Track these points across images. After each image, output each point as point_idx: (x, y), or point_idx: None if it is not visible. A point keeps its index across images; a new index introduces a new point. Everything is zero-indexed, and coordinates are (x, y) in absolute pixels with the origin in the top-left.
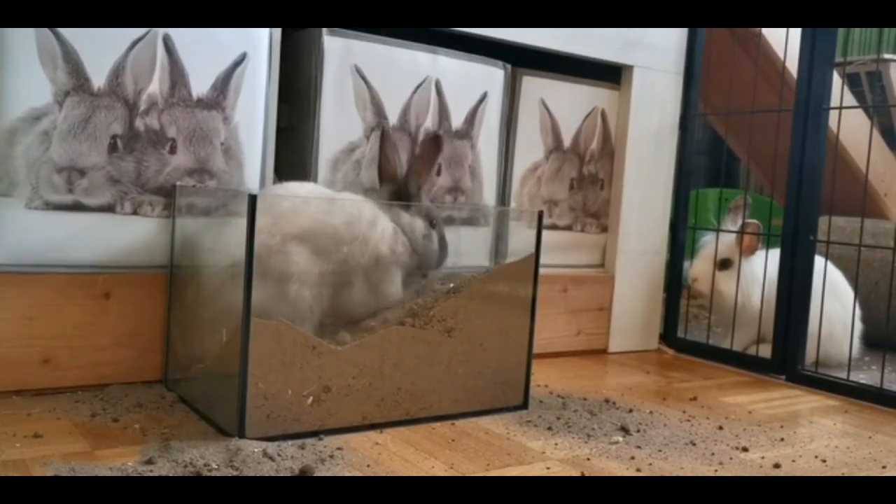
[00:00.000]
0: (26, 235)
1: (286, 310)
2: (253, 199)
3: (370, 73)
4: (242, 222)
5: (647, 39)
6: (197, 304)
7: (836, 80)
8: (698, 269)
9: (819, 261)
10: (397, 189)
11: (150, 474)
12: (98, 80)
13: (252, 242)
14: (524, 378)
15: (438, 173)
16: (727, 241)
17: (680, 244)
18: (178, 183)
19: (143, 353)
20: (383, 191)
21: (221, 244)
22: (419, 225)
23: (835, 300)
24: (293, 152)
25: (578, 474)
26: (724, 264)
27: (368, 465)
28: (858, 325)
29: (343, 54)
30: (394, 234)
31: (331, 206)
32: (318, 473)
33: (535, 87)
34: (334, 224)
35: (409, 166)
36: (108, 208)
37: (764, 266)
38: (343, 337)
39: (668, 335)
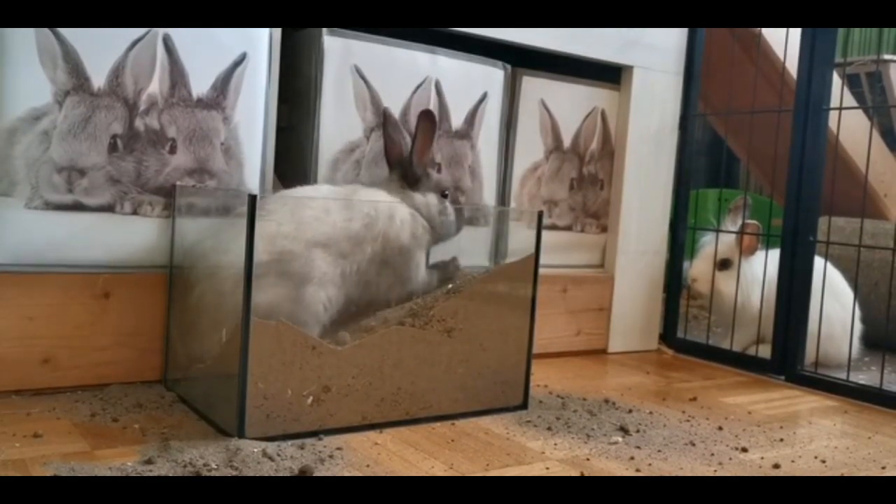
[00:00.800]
0: (26, 235)
1: (300, 311)
2: (253, 199)
3: (370, 73)
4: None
5: (647, 40)
6: (197, 304)
7: (836, 80)
8: (698, 269)
9: (818, 261)
10: (405, 170)
11: (150, 474)
12: (98, 79)
13: (252, 242)
14: (524, 378)
15: (438, 172)
16: (727, 241)
17: (680, 244)
18: (178, 183)
19: (142, 353)
20: (394, 174)
21: (233, 246)
22: (433, 201)
23: (834, 301)
24: (293, 152)
25: (578, 474)
26: (723, 265)
27: (368, 465)
28: (858, 326)
29: (343, 54)
30: (412, 220)
31: (350, 211)
32: (317, 473)
33: (535, 87)
34: (355, 229)
35: (411, 148)
36: (108, 208)
37: (763, 266)
38: (343, 337)
39: (668, 335)
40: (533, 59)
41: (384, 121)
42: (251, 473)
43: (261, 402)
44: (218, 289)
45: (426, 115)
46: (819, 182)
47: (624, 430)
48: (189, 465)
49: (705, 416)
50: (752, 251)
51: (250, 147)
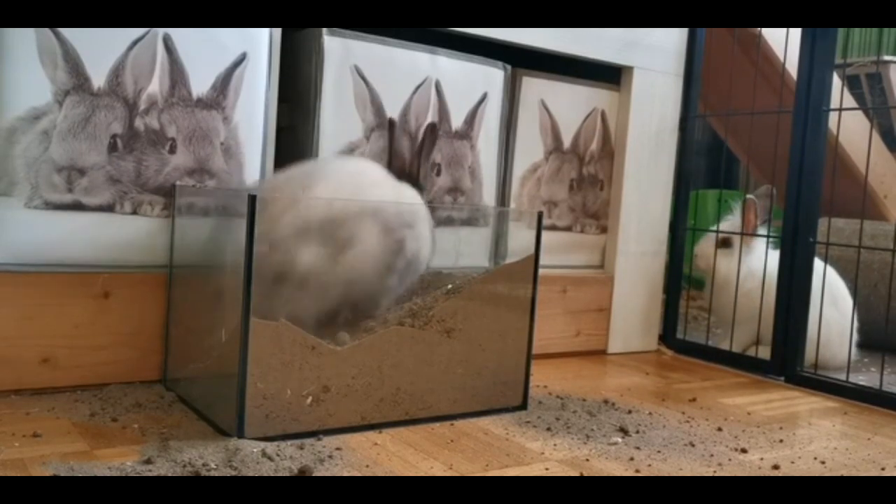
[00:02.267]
0: (26, 235)
1: (332, 279)
2: (253, 199)
3: (370, 74)
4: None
5: (647, 40)
6: (197, 303)
7: (836, 81)
8: (701, 248)
9: (818, 264)
10: (412, 179)
11: (149, 474)
12: (98, 79)
13: (252, 242)
14: (523, 379)
15: (438, 174)
16: (733, 223)
17: (679, 245)
18: (178, 183)
19: (142, 352)
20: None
21: (238, 246)
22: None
23: (832, 305)
24: (293, 152)
25: (577, 475)
26: (725, 243)
27: (367, 466)
28: (854, 335)
29: (343, 54)
30: (430, 234)
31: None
32: (316, 473)
33: (535, 87)
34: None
35: (414, 158)
36: (108, 208)
37: (765, 256)
38: (342, 337)
39: (668, 336)
40: (533, 60)
41: (390, 132)
42: (250, 473)
43: (260, 402)
44: (216, 289)
45: (433, 129)
46: (819, 183)
47: (623, 431)
48: (188, 465)
49: (705, 416)
50: (752, 228)
51: (250, 147)
